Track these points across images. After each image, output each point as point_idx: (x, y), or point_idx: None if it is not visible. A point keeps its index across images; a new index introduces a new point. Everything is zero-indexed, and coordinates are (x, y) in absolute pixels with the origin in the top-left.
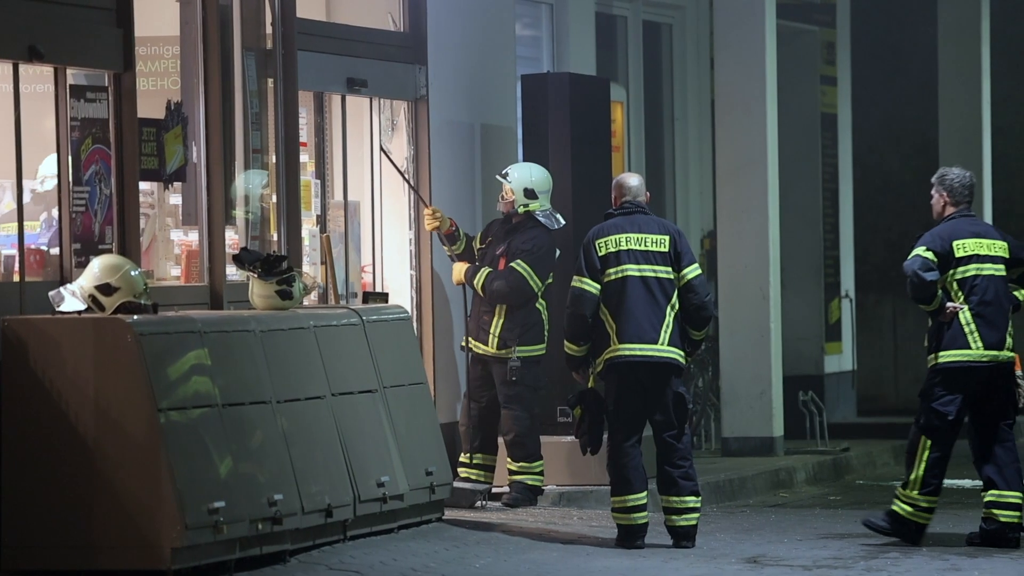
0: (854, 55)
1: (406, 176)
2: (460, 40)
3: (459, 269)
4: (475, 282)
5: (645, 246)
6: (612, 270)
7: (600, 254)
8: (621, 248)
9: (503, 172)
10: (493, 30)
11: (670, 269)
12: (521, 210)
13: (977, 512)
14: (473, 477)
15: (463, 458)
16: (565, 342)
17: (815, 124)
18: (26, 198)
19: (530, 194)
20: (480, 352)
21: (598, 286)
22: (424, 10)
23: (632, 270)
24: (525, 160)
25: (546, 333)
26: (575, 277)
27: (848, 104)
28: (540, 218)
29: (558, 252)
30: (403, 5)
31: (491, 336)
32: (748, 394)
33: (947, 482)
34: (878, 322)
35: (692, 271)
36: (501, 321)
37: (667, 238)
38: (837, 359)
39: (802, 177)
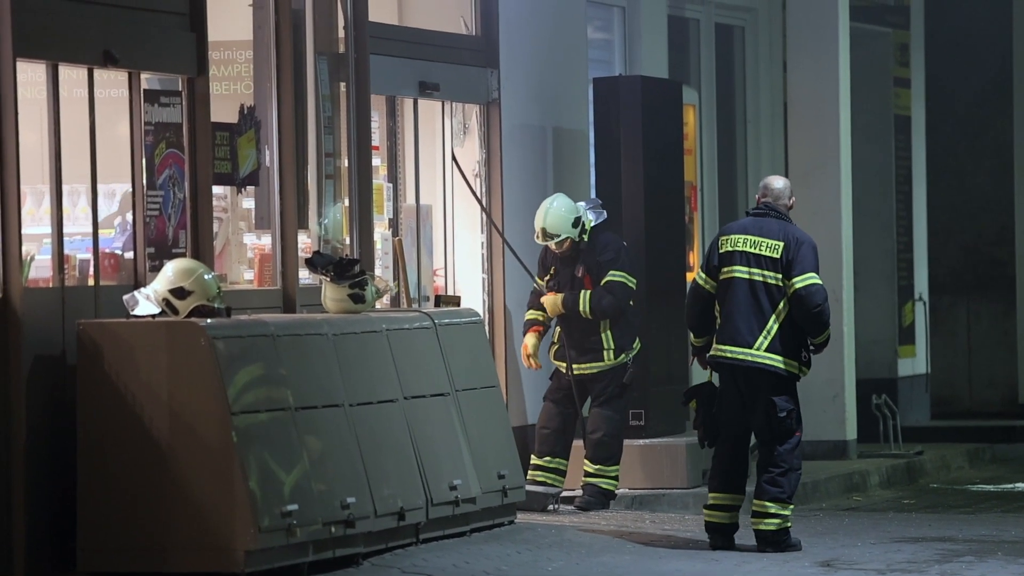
0: (928, 57)
1: (476, 191)
2: (532, 43)
3: (553, 301)
4: (580, 308)
5: (759, 250)
6: (725, 269)
7: (720, 251)
8: (736, 248)
9: (548, 235)
10: (565, 33)
11: (779, 275)
12: (584, 237)
13: None
14: (548, 481)
15: (536, 460)
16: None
17: (888, 126)
18: (100, 203)
19: (576, 223)
20: (593, 372)
21: (712, 282)
22: (496, 13)
23: (740, 272)
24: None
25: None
26: (697, 269)
27: (922, 106)
28: (594, 223)
29: (624, 243)
30: (475, 8)
31: (606, 351)
32: (821, 397)
33: (1021, 486)
34: (952, 325)
35: (801, 281)
36: (610, 332)
37: (781, 244)
38: (911, 362)
39: (875, 179)
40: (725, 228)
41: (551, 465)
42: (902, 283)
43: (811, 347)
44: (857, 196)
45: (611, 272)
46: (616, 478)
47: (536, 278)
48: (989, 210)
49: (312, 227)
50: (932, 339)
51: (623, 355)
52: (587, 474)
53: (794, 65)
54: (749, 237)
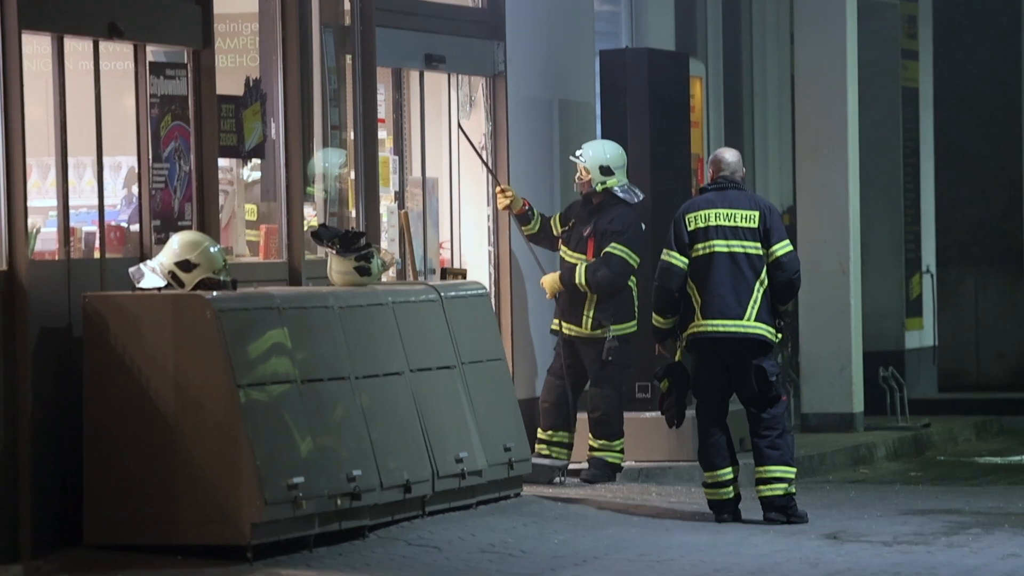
0: (935, 28)
1: (482, 155)
2: (538, 15)
3: (551, 280)
4: (576, 281)
5: (734, 222)
6: (700, 245)
7: (689, 229)
8: (710, 224)
9: (576, 152)
10: (571, 5)
11: (759, 245)
12: (599, 188)
13: None
14: (553, 454)
15: (541, 435)
16: (653, 315)
17: (896, 99)
18: (106, 175)
19: (606, 171)
20: (573, 334)
21: (685, 260)
22: None
23: (720, 246)
24: (603, 136)
25: (636, 310)
26: (664, 251)
27: (929, 78)
28: (619, 194)
29: (643, 226)
30: None
31: (585, 317)
32: (828, 370)
33: None
34: (959, 297)
35: (782, 248)
36: (595, 302)
37: (757, 213)
38: (918, 335)
39: (883, 152)
40: (688, 205)
41: (554, 439)
42: (909, 255)
43: (778, 316)
44: (865, 169)
45: (613, 244)
46: (622, 451)
47: (499, 184)
48: (997, 183)
49: (317, 194)
50: (939, 312)
51: (600, 328)
52: (592, 449)
53: (802, 37)
54: (720, 211)
